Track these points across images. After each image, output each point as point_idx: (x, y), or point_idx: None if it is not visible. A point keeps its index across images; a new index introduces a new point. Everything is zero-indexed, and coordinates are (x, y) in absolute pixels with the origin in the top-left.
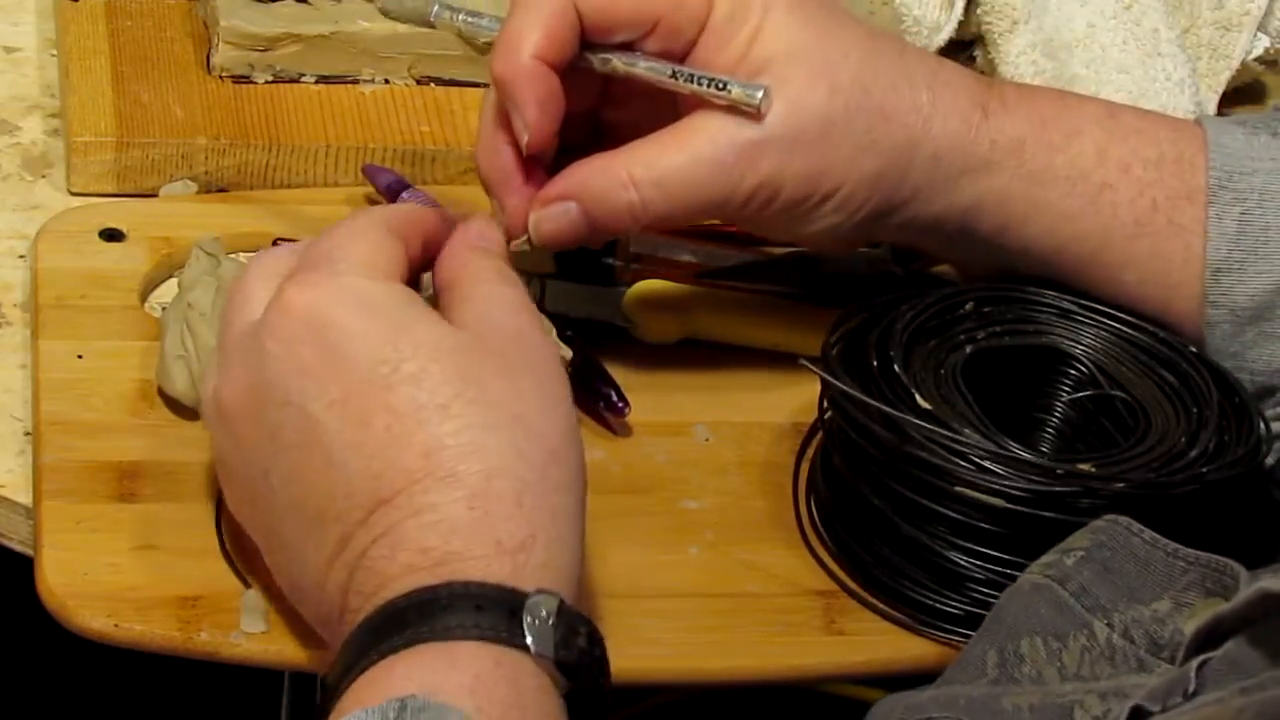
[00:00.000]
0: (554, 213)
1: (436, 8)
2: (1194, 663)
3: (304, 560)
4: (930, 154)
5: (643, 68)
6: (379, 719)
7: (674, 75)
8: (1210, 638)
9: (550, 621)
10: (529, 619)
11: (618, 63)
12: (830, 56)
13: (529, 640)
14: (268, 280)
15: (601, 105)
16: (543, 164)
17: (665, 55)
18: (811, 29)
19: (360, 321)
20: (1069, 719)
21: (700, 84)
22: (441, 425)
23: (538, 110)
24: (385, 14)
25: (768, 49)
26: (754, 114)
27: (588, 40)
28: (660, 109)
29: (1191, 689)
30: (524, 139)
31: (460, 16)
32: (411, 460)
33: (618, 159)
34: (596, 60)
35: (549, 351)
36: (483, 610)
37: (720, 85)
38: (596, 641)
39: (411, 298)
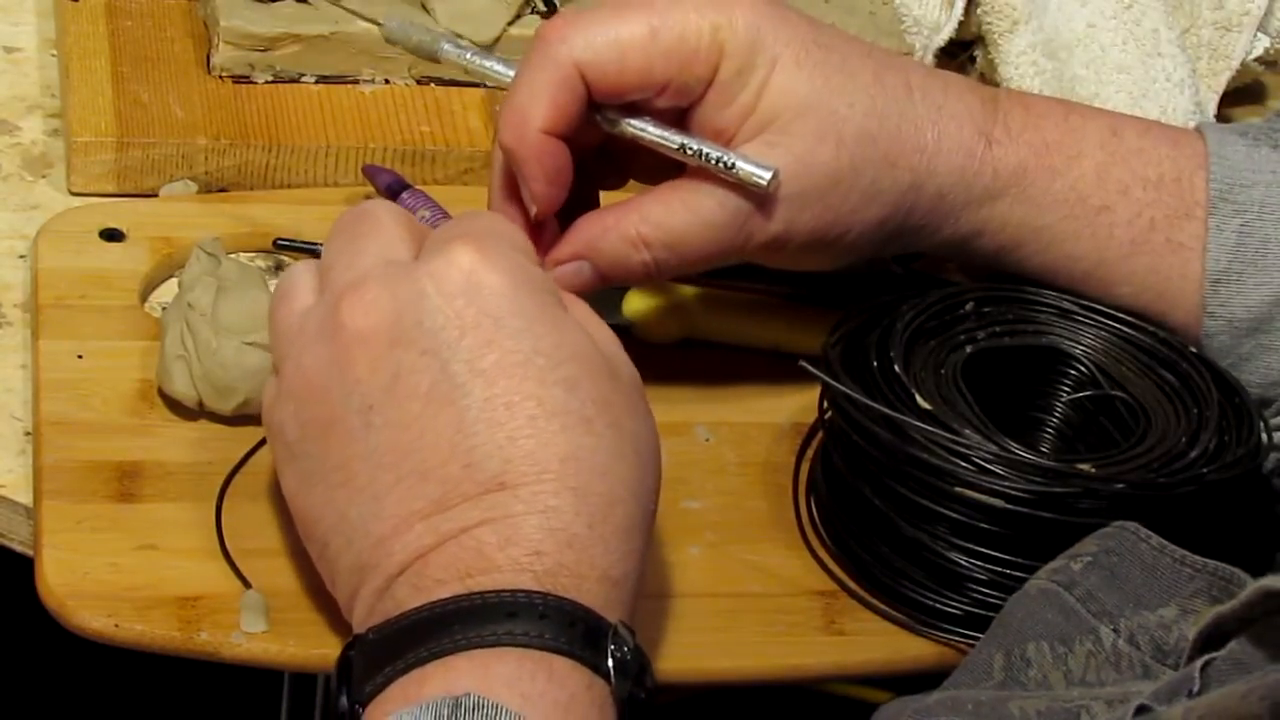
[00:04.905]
0: (567, 272)
1: (444, 45)
2: (1198, 663)
3: (373, 508)
4: (934, 191)
5: (651, 136)
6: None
7: (681, 148)
8: (1213, 638)
9: (630, 657)
10: (614, 649)
11: (626, 128)
12: (837, 109)
13: (611, 670)
14: (400, 226)
15: (609, 138)
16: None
17: (673, 111)
18: (819, 79)
19: (530, 304)
20: None
21: (707, 160)
22: (584, 438)
23: (546, 185)
24: (389, 41)
25: (774, 104)
26: (760, 192)
27: (595, 102)
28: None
29: (1196, 689)
30: (532, 210)
31: (468, 55)
32: (549, 459)
33: (626, 218)
34: (605, 122)
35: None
36: (574, 628)
37: (728, 165)
38: (655, 682)
39: (560, 295)
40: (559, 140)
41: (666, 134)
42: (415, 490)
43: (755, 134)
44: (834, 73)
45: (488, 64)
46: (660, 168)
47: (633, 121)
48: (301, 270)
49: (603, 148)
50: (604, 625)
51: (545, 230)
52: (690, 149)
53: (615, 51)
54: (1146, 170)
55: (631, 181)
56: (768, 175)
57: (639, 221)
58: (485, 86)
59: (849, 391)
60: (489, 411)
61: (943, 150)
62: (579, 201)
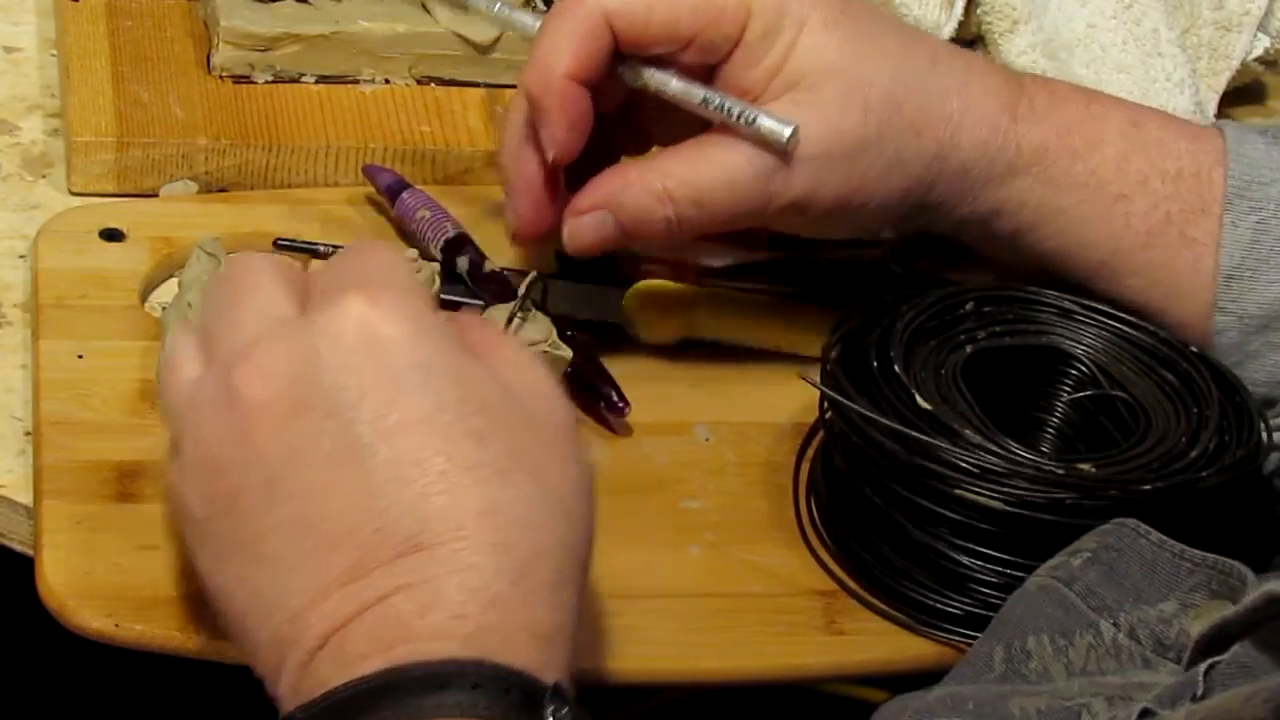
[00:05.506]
0: (589, 223)
1: None
2: (1202, 666)
3: (287, 582)
4: (958, 165)
5: (674, 89)
6: None
7: (704, 102)
8: (1216, 641)
9: (568, 717)
10: (552, 710)
11: (650, 79)
12: (864, 74)
13: None
14: (277, 280)
15: (632, 101)
16: (564, 168)
17: (699, 68)
18: (846, 45)
19: (429, 354)
20: None
21: (729, 114)
22: (501, 490)
23: (567, 130)
24: None
25: (801, 66)
26: (780, 150)
27: (621, 53)
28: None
29: (1200, 692)
30: (550, 154)
31: (497, 6)
32: (464, 515)
33: (651, 172)
34: (629, 74)
35: (587, 451)
36: (510, 695)
37: (750, 120)
38: None
39: (462, 341)
40: (582, 88)
41: (690, 87)
42: (327, 560)
43: (781, 94)
44: (862, 39)
45: (516, 16)
46: (683, 133)
47: (657, 74)
48: (180, 337)
49: (626, 111)
50: (540, 688)
51: (555, 193)
52: (713, 103)
53: (643, 3)
54: (1165, 163)
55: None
56: (788, 131)
57: (664, 176)
58: (486, 86)
59: (853, 405)
60: (396, 470)
61: (968, 123)
62: (600, 166)
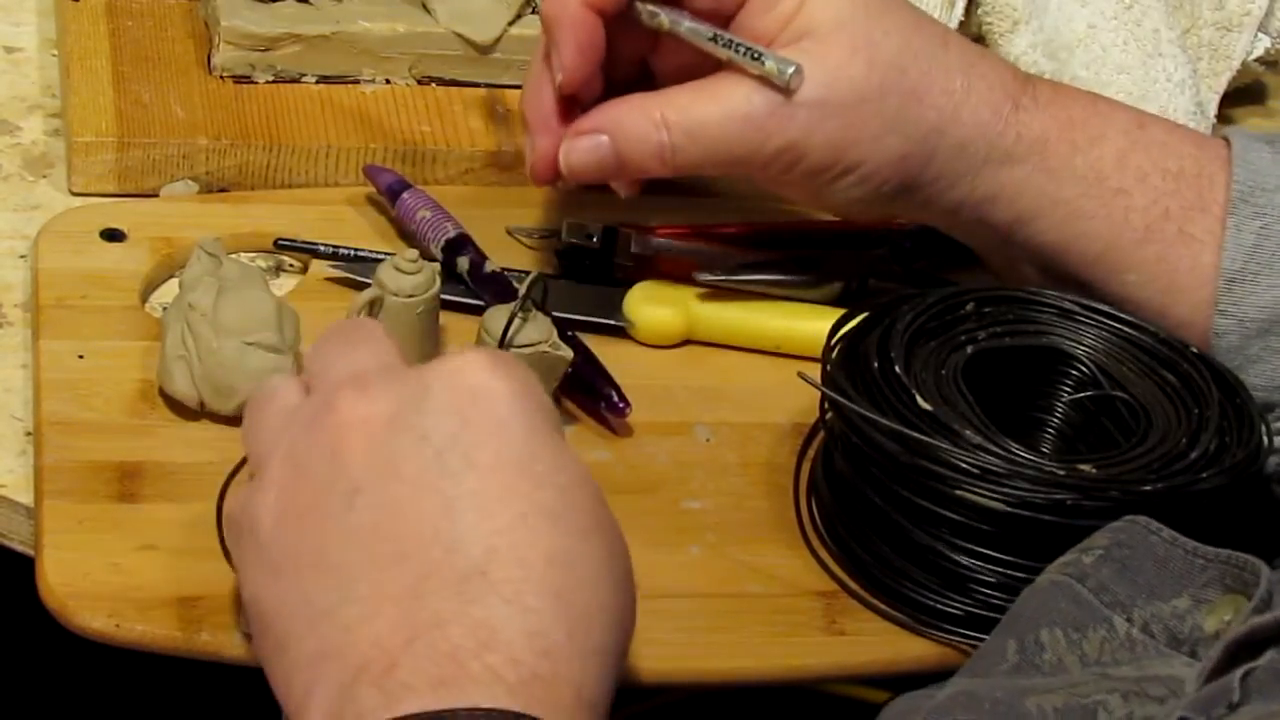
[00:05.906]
0: (585, 144)
1: None
2: (1237, 673)
3: (346, 589)
4: (956, 141)
5: (685, 28)
6: None
7: (714, 39)
8: (1248, 647)
9: None
10: None
11: (664, 18)
12: (873, 33)
13: None
14: (393, 344)
15: (652, 51)
16: (582, 108)
17: (715, 12)
18: (860, 6)
19: (534, 419)
20: None
21: (737, 51)
22: (574, 544)
23: (576, 54)
24: None
25: (814, 16)
26: (782, 88)
27: None
28: (708, 60)
29: (1236, 699)
30: (558, 78)
31: None
32: (534, 558)
33: (653, 101)
34: (645, 13)
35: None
36: None
37: (755, 55)
38: None
39: (560, 424)
40: (596, 16)
41: (699, 27)
42: (390, 572)
43: (791, 42)
44: (876, 5)
45: None
46: None
47: (671, 14)
48: (283, 376)
49: (642, 73)
50: None
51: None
52: (722, 39)
53: None
54: (1167, 162)
55: None
56: (791, 68)
57: (664, 105)
58: (486, 86)
59: (853, 405)
60: (479, 501)
61: (969, 101)
62: None
